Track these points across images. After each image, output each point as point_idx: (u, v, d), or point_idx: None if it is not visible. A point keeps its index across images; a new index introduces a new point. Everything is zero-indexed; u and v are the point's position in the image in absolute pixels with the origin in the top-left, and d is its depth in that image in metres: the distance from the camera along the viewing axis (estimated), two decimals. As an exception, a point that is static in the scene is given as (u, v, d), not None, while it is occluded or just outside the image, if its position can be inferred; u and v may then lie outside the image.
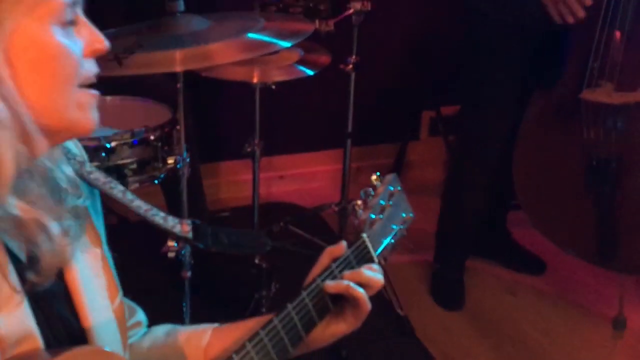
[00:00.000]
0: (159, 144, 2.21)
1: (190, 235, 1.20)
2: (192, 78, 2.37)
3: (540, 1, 2.42)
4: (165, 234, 1.24)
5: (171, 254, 2.18)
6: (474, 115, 2.84)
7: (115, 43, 1.92)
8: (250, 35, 1.93)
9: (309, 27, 2.03)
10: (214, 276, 2.85)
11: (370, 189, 1.24)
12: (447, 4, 3.19)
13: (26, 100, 0.90)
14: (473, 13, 2.64)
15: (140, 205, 1.17)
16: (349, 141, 2.87)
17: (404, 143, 3.65)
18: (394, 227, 1.24)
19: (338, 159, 3.06)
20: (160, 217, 1.18)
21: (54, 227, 0.94)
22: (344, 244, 1.19)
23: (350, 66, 2.75)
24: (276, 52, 2.31)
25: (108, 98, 2.42)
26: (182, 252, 2.22)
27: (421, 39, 3.58)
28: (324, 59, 2.51)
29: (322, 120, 3.46)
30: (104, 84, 2.14)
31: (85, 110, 0.97)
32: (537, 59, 2.62)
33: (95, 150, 2.10)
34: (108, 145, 2.10)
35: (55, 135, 0.97)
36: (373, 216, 1.20)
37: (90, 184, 1.11)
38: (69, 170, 1.05)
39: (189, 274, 2.24)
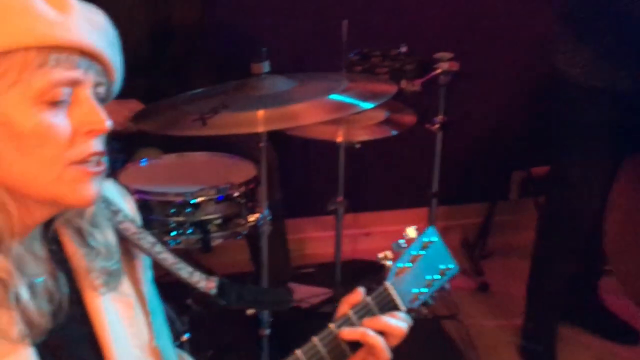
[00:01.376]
0: (243, 200, 2.23)
1: (214, 292, 1.21)
2: (279, 135, 2.42)
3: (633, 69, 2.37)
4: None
5: (250, 311, 2.19)
6: (563, 180, 2.77)
7: (201, 103, 1.99)
8: (333, 96, 1.95)
9: (391, 89, 2.03)
10: (295, 334, 2.82)
11: (403, 241, 1.21)
12: (536, 64, 3.15)
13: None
14: (562, 78, 2.59)
15: (166, 258, 1.19)
16: (434, 201, 2.85)
17: (492, 203, 3.58)
18: (428, 277, 1.20)
19: (425, 217, 3.03)
20: (186, 272, 1.20)
21: (23, 292, 0.95)
22: (361, 290, 1.16)
23: (437, 126, 2.74)
24: (361, 112, 2.32)
25: (197, 154, 2.48)
26: (261, 309, 2.22)
27: (512, 98, 3.54)
28: (409, 118, 2.52)
29: (409, 178, 3.45)
30: (193, 140, 2.22)
31: (73, 186, 0.97)
32: (627, 124, 2.55)
33: (180, 206, 2.14)
34: (193, 201, 2.14)
35: (48, 205, 1.00)
36: (400, 265, 1.17)
37: (120, 234, 1.14)
38: (109, 234, 1.09)
39: (267, 331, 2.24)
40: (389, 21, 3.20)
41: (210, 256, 3.14)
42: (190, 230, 2.17)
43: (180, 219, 2.16)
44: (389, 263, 1.18)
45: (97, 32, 0.98)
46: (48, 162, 0.95)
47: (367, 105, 1.94)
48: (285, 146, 2.76)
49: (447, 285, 1.23)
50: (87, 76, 0.97)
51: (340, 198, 2.54)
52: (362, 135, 2.46)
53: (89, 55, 0.96)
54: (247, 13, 3.16)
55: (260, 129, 1.92)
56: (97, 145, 0.99)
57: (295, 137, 2.47)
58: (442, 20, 3.33)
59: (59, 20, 0.93)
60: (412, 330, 3.02)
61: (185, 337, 2.35)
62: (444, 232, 3.67)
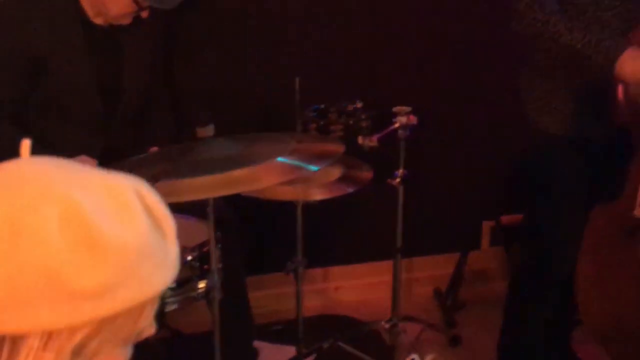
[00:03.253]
0: (197, 264, 2.19)
1: None
2: (236, 196, 2.37)
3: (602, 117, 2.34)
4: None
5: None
6: (535, 230, 2.73)
7: (148, 168, 1.95)
8: (280, 159, 1.92)
9: (339, 149, 2.01)
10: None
11: None
12: (502, 116, 3.12)
13: None
14: (532, 128, 2.57)
15: None
16: (398, 256, 2.82)
17: (463, 253, 3.54)
18: None
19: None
20: None
21: None
22: None
23: (398, 180, 2.71)
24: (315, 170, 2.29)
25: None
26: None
27: (476, 148, 3.51)
28: (366, 174, 2.49)
29: (375, 232, 3.40)
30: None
31: None
32: (597, 174, 2.53)
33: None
34: (145, 266, 2.09)
35: None
36: None
37: None
38: None
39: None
40: (343, 77, 3.18)
41: (179, 315, 3.09)
42: (142, 296, 2.11)
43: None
44: None
45: None
46: None
47: (313, 167, 1.91)
48: (246, 206, 2.71)
49: None
50: None
51: (299, 257, 2.50)
52: (318, 194, 2.44)
53: None
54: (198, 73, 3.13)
55: (204, 195, 1.89)
56: None
57: (253, 198, 2.42)
58: (398, 74, 3.31)
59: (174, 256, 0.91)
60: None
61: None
62: (416, 284, 3.65)
